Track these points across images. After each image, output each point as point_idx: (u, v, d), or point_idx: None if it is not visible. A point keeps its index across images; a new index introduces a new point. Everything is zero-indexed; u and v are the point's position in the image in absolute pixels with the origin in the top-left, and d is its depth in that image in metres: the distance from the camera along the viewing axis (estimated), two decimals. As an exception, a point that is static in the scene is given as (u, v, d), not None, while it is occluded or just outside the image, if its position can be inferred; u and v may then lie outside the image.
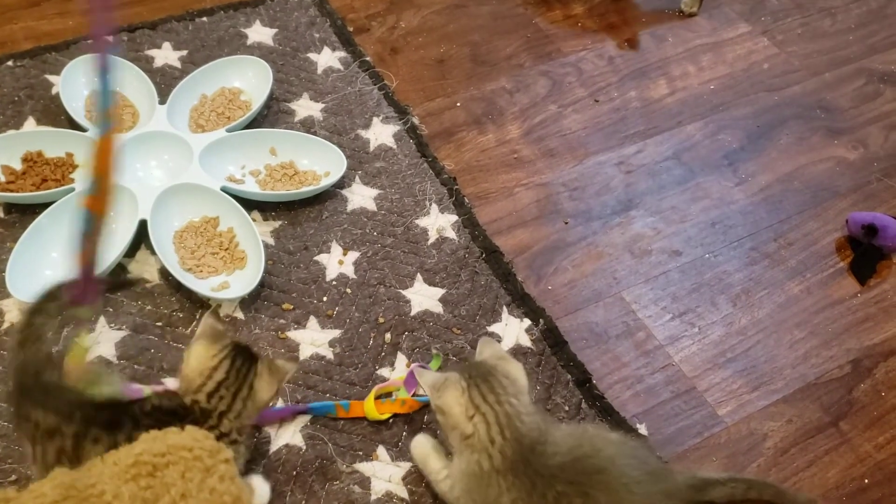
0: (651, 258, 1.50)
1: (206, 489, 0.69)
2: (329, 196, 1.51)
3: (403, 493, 1.19)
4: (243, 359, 1.04)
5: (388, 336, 1.34)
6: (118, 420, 0.93)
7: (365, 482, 1.19)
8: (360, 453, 1.22)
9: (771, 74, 1.85)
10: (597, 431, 1.09)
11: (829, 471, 1.27)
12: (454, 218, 1.50)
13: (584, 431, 1.08)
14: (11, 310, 1.31)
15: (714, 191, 1.62)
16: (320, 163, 1.53)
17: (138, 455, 0.70)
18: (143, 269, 1.38)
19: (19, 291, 1.27)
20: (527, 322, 1.38)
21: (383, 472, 1.21)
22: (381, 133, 1.62)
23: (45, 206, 1.37)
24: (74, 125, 1.53)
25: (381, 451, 1.22)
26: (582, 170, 1.63)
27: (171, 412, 0.96)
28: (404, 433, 1.24)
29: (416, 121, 1.65)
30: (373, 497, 1.18)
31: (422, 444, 1.19)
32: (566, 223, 1.54)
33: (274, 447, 1.21)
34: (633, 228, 1.54)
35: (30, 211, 1.41)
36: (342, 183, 1.51)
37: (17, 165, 1.46)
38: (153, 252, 1.36)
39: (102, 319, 1.31)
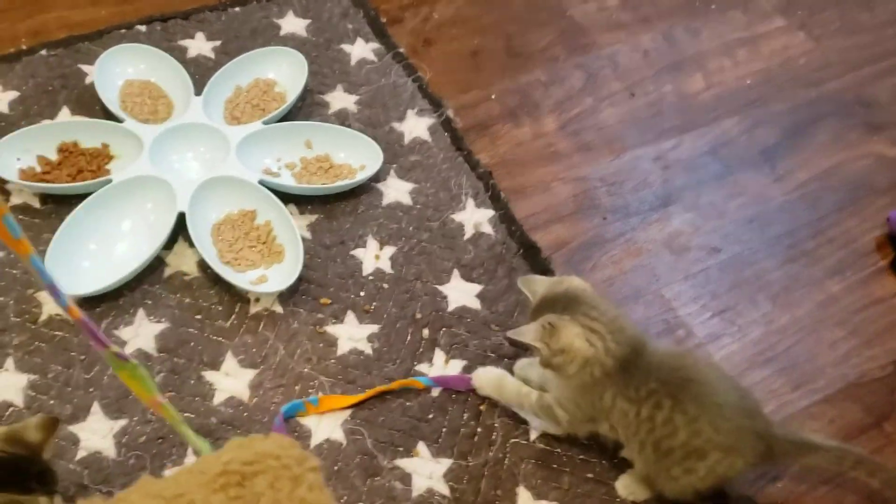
0: (690, 255, 1.49)
1: (296, 499, 0.68)
2: (364, 190, 1.50)
3: (445, 490, 1.18)
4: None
5: (425, 332, 1.33)
6: None
7: (406, 478, 1.19)
8: (401, 449, 1.21)
9: (808, 69, 1.83)
10: (702, 356, 1.16)
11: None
12: (490, 213, 1.49)
13: (683, 349, 1.15)
14: (48, 302, 1.30)
15: (751, 187, 1.61)
16: (356, 156, 1.51)
17: (226, 464, 0.70)
18: (181, 261, 1.37)
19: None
20: (566, 319, 1.36)
21: (424, 469, 1.20)
22: (415, 126, 1.60)
23: (80, 197, 1.37)
24: (109, 115, 1.52)
25: (421, 447, 1.22)
26: (619, 164, 1.61)
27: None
28: (444, 429, 1.24)
29: (450, 114, 1.63)
30: (414, 493, 1.18)
31: (489, 373, 1.22)
32: (604, 219, 1.52)
33: (314, 441, 1.21)
34: (671, 224, 1.53)
35: (65, 202, 1.40)
36: (377, 177, 1.50)
37: (53, 156, 1.45)
38: (191, 244, 1.36)
39: (141, 312, 1.30)
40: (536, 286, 1.16)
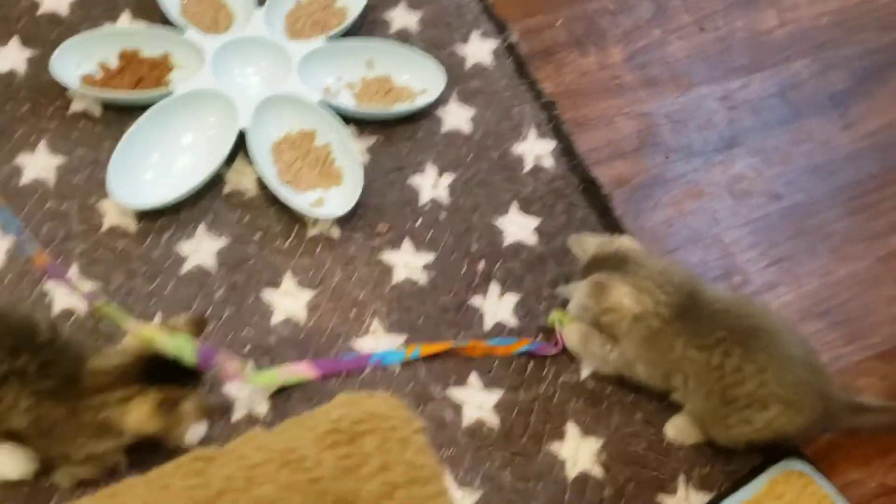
0: (752, 200, 1.46)
1: (404, 462, 0.69)
2: (424, 115, 1.47)
3: (495, 421, 1.20)
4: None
5: (481, 265, 1.33)
6: None
7: (457, 407, 1.21)
8: (453, 378, 1.23)
9: (887, 11, 1.74)
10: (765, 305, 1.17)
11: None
12: (552, 145, 1.46)
13: (749, 295, 1.16)
14: (110, 211, 1.31)
15: (818, 133, 1.56)
16: (418, 79, 1.48)
17: (335, 422, 0.71)
18: (241, 178, 1.37)
19: (120, 194, 1.28)
20: (623, 258, 1.36)
21: (475, 399, 1.22)
22: (478, 49, 1.56)
23: (141, 107, 1.36)
24: (169, 23, 1.49)
25: (473, 378, 1.23)
26: (684, 101, 1.57)
27: None
28: (496, 362, 1.25)
29: (514, 38, 1.58)
30: (464, 423, 1.20)
31: (576, 331, 1.22)
32: (667, 157, 1.49)
33: (368, 367, 1.23)
34: (734, 168, 1.50)
35: (125, 111, 1.39)
36: (438, 102, 1.47)
37: (114, 63, 1.44)
38: (251, 162, 1.35)
39: (202, 227, 1.31)
40: (587, 245, 1.17)
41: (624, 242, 1.16)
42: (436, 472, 0.71)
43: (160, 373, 1.01)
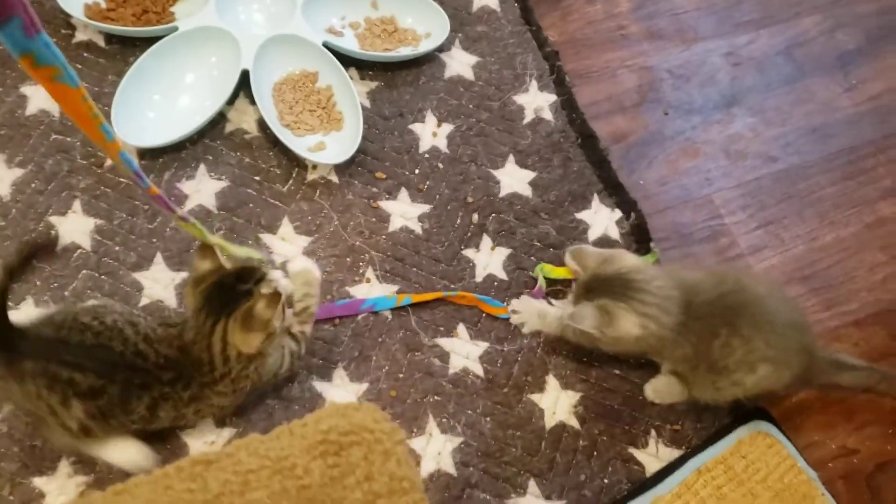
0: (746, 162, 1.48)
1: (386, 473, 0.74)
2: (427, 59, 1.47)
3: (479, 371, 1.26)
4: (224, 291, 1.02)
5: (475, 216, 1.36)
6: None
7: (444, 356, 1.26)
8: (442, 329, 1.28)
9: (905, -34, 1.72)
10: (742, 271, 1.19)
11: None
12: (552, 98, 1.47)
13: (726, 272, 1.16)
14: (113, 145, 1.33)
15: (820, 94, 1.56)
16: (422, 22, 1.48)
17: (325, 433, 0.76)
18: (242, 118, 1.38)
19: (123, 132, 1.30)
20: (617, 213, 1.38)
21: (462, 349, 1.27)
22: (485, -8, 1.55)
23: (145, 40, 1.37)
24: (173, -49, 1.47)
25: (461, 328, 1.28)
26: (689, 56, 1.56)
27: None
28: (483, 314, 1.29)
29: (523, -19, 1.57)
30: (451, 371, 1.25)
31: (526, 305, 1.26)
32: (666, 113, 1.50)
33: (362, 314, 1.27)
34: (732, 127, 1.51)
35: (130, 43, 1.40)
36: (442, 46, 1.47)
37: (118, -8, 1.43)
38: (252, 102, 1.36)
39: (202, 167, 1.33)
40: (586, 261, 1.16)
41: (625, 261, 1.14)
42: (415, 483, 0.77)
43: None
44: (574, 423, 1.24)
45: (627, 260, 1.15)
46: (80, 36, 1.41)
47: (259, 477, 0.76)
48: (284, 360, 1.12)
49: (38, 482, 1.11)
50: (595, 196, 1.40)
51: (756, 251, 1.41)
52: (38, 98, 1.35)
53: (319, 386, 1.20)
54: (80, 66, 1.38)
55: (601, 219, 1.38)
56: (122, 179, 1.31)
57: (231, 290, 1.01)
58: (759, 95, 1.54)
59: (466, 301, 1.29)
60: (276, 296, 0.98)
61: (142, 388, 1.00)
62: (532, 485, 1.19)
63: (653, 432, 1.24)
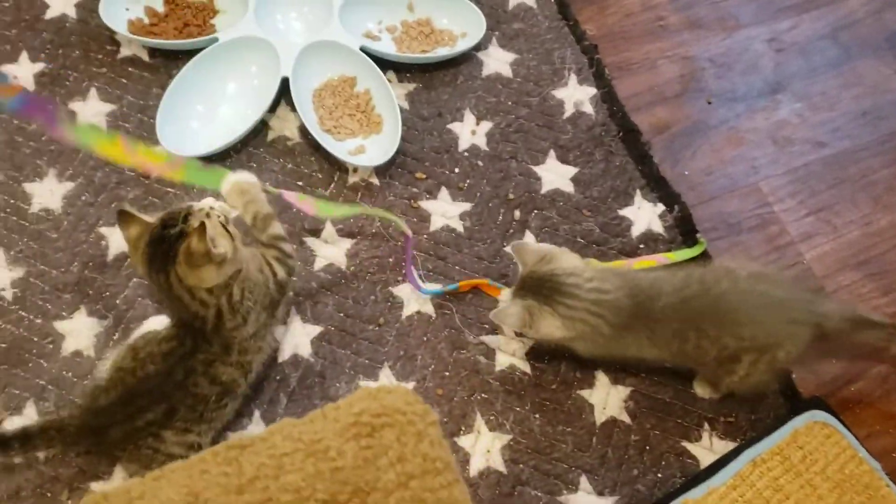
0: (794, 148, 1.45)
1: (420, 454, 0.74)
2: (465, 58, 1.47)
3: (526, 368, 1.25)
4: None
5: (517, 213, 1.35)
6: None
7: (490, 354, 1.26)
8: (487, 326, 1.27)
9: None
10: (708, 269, 1.15)
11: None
12: (592, 91, 1.46)
13: (691, 273, 1.13)
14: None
15: (869, 77, 1.52)
16: (458, 22, 1.48)
17: (358, 415, 0.76)
18: (284, 125, 1.40)
19: (168, 141, 1.32)
20: (660, 207, 1.36)
21: (508, 346, 1.26)
22: (521, -10, 1.54)
23: (187, 52, 1.39)
24: (212, -34, 1.50)
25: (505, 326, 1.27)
26: (730, 44, 1.54)
27: None
28: (529, 309, 1.28)
29: (558, -23, 1.56)
30: (497, 368, 1.25)
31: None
32: (709, 103, 1.48)
33: (406, 313, 1.27)
34: (778, 114, 1.48)
35: (173, 56, 1.43)
36: (479, 45, 1.47)
37: (160, 7, 1.47)
38: (293, 109, 1.38)
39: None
40: (527, 258, 1.15)
41: (562, 262, 1.13)
42: (448, 464, 0.76)
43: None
44: (625, 417, 1.22)
45: (565, 261, 1.13)
46: (124, 51, 1.45)
47: (293, 460, 0.76)
48: (276, 268, 1.13)
49: (95, 487, 1.13)
50: (637, 192, 1.38)
51: (807, 238, 1.37)
52: (85, 114, 1.39)
53: (366, 385, 1.20)
54: (125, 81, 1.42)
55: (644, 214, 1.36)
56: (168, 189, 1.34)
57: (164, 240, 1.03)
58: (805, 81, 1.51)
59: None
60: (201, 225, 1.00)
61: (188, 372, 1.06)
62: (584, 481, 1.18)
63: (706, 425, 1.22)
